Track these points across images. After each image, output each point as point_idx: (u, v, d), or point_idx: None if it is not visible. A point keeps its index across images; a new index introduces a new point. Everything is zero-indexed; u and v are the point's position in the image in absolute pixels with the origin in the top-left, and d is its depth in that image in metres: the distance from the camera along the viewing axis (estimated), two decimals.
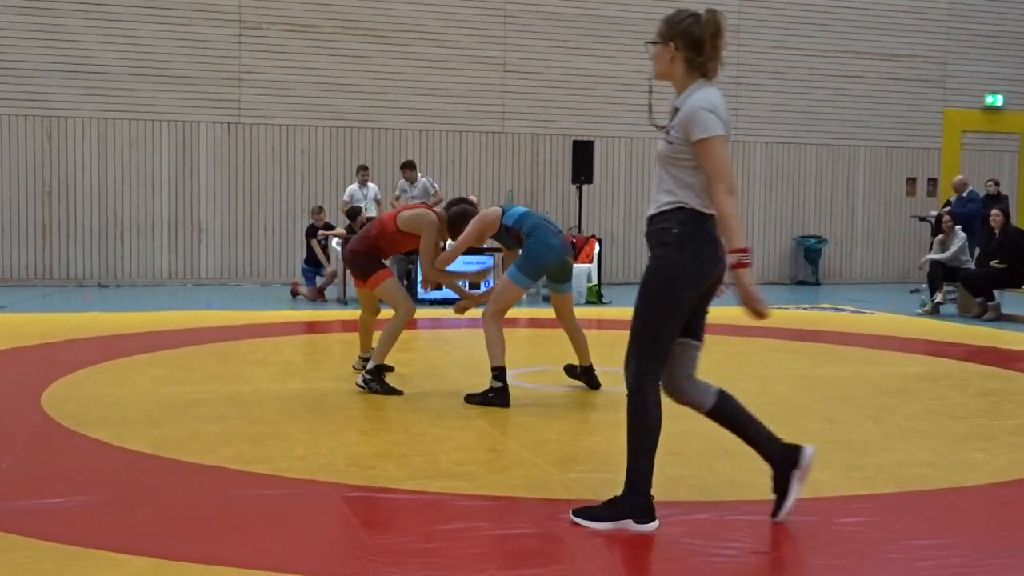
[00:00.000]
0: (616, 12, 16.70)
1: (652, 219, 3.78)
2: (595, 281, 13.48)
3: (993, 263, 12.06)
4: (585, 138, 15.73)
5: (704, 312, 3.87)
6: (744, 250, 3.61)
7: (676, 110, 3.76)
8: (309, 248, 13.37)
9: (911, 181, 18.93)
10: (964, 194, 15.09)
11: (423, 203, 7.64)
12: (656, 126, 3.87)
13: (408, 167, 13.98)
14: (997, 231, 12.38)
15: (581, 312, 7.73)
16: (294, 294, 13.41)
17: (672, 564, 3.47)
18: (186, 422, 5.56)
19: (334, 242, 13.48)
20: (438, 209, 6.87)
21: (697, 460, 4.85)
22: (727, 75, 20.08)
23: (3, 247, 14.92)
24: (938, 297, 12.54)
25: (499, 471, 4.26)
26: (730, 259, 3.65)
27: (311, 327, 10.64)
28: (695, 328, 3.85)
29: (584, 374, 6.83)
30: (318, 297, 13.14)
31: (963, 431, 5.69)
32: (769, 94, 17.88)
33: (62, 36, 14.80)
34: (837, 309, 13.03)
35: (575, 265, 9.02)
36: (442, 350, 9.15)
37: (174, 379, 6.95)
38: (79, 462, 4.70)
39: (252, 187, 15.76)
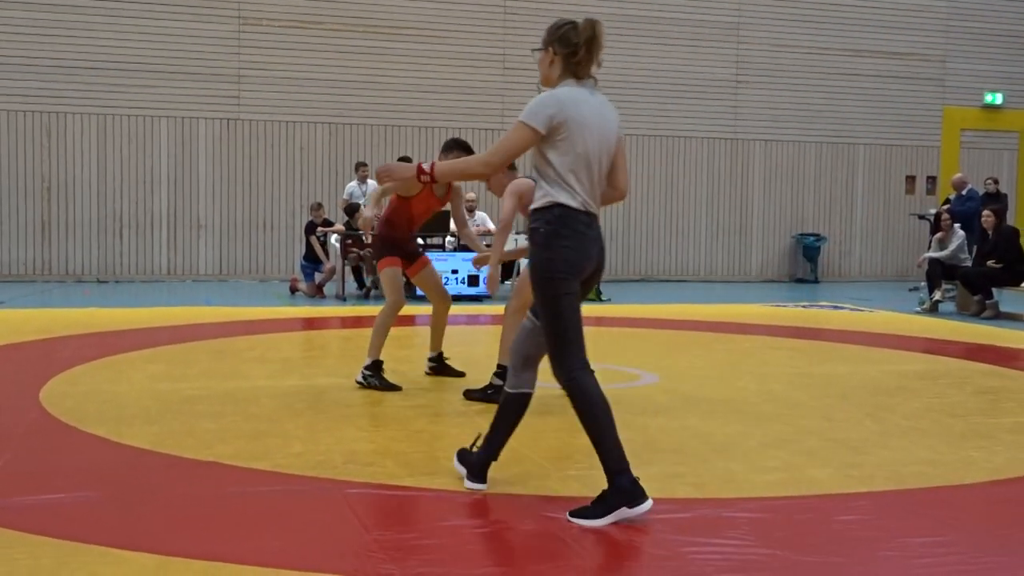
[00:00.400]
0: (616, 11, 16.68)
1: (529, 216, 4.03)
2: None
3: (989, 263, 12.07)
4: None
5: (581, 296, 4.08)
6: (424, 172, 3.99)
7: None
8: (308, 244, 13.37)
9: (910, 179, 18.92)
10: (963, 192, 15.11)
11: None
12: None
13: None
14: (990, 232, 12.38)
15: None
16: (293, 290, 13.42)
17: (669, 561, 3.47)
18: (184, 418, 5.55)
19: (333, 239, 13.49)
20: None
21: (694, 458, 4.85)
22: (727, 73, 19.92)
23: (2, 243, 14.91)
24: (937, 295, 12.55)
25: (496, 468, 4.26)
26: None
27: (309, 324, 10.64)
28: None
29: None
30: (317, 293, 13.15)
31: (961, 429, 5.70)
32: (768, 92, 17.87)
33: (61, 32, 14.79)
34: (836, 307, 13.04)
35: None
36: (442, 346, 9.11)
37: (172, 375, 6.95)
38: (77, 458, 4.70)
39: (251, 183, 15.76)
